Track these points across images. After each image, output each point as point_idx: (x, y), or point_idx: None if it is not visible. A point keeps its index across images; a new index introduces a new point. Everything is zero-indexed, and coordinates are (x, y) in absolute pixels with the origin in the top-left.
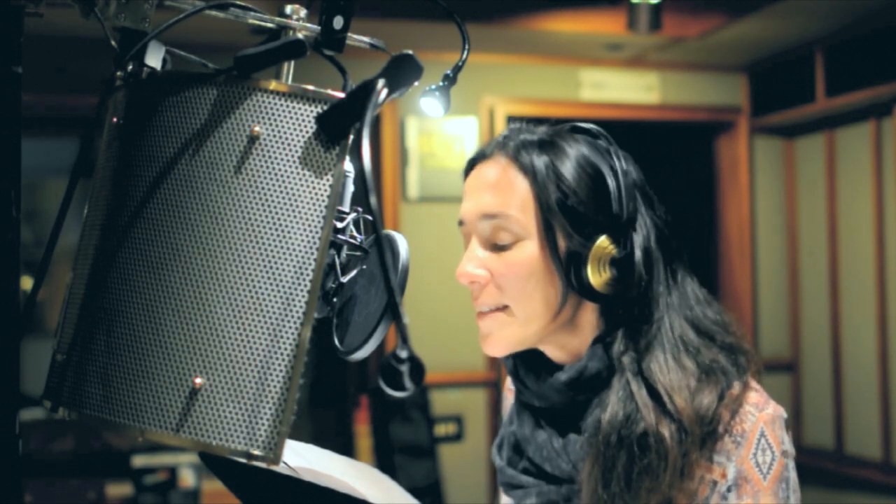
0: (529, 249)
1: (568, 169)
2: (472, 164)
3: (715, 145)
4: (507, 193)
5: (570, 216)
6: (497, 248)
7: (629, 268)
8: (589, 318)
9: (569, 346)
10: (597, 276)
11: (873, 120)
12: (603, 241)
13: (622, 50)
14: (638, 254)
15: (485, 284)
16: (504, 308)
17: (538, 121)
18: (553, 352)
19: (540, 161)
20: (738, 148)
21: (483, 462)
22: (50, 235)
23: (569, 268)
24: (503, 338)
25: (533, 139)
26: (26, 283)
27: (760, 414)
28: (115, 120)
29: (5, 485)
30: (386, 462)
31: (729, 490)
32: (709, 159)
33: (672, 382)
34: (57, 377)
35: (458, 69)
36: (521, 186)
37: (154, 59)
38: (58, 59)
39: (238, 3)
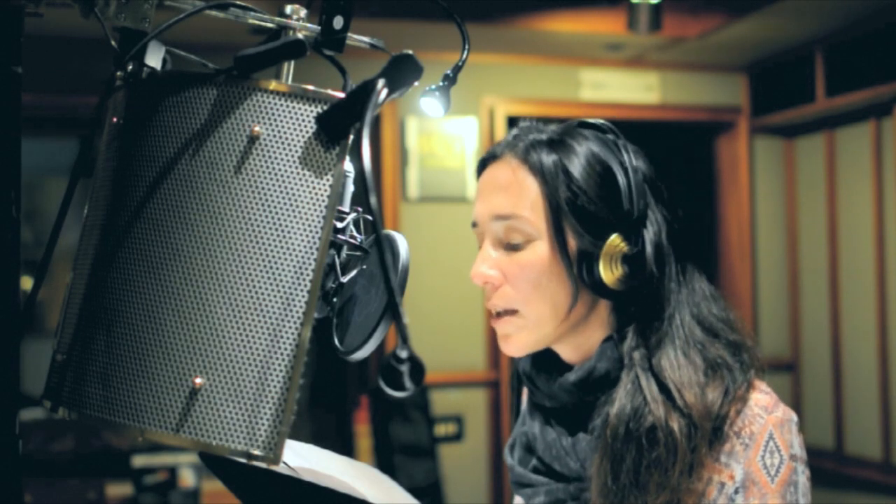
0: (540, 250)
1: (577, 168)
2: (483, 165)
3: (715, 145)
4: (518, 195)
5: (579, 216)
6: (509, 248)
7: (640, 264)
8: (602, 316)
9: (583, 347)
10: (609, 274)
11: (873, 120)
12: (614, 238)
13: (622, 50)
14: (649, 250)
15: (498, 285)
16: (514, 312)
17: (541, 121)
18: (567, 352)
19: (549, 160)
20: (738, 148)
21: (483, 462)
22: (50, 235)
23: (580, 267)
24: (520, 340)
25: (542, 138)
26: (26, 283)
27: (769, 416)
28: (115, 120)
29: (5, 485)
30: (386, 462)
31: (736, 492)
32: (709, 159)
33: (682, 378)
34: (57, 377)
35: (458, 69)
36: (532, 187)
37: (154, 59)
38: (58, 59)
39: (238, 3)
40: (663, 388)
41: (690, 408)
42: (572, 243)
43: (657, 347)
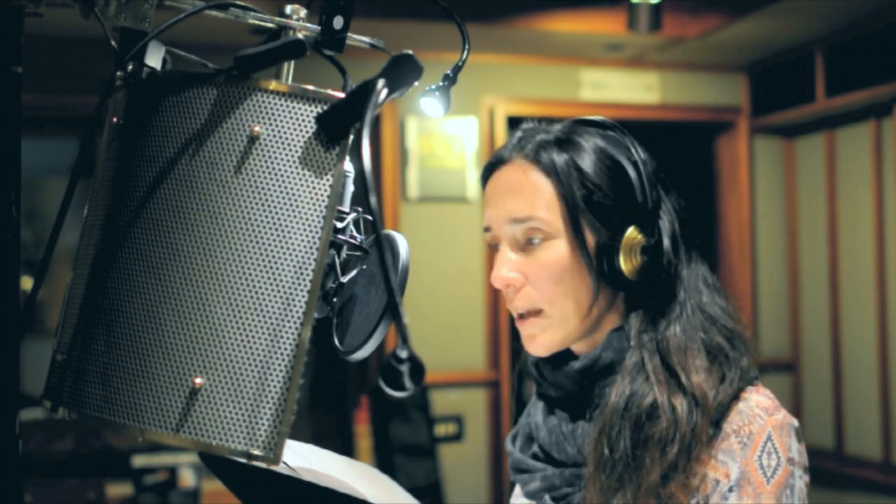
0: (559, 248)
1: (588, 164)
2: (490, 170)
3: (715, 145)
4: (533, 196)
5: (596, 211)
6: (528, 249)
7: (658, 254)
8: (619, 309)
9: (598, 340)
10: (629, 266)
11: (873, 120)
12: (632, 231)
13: (622, 50)
14: (666, 240)
15: (520, 287)
16: (539, 312)
17: (543, 121)
18: (582, 346)
19: (560, 159)
20: (738, 148)
21: (483, 462)
22: (50, 235)
23: (601, 261)
24: (545, 339)
25: (549, 138)
26: (26, 283)
27: (769, 418)
28: (115, 120)
29: (5, 485)
30: (386, 462)
31: (730, 490)
32: (709, 159)
33: (686, 360)
34: (57, 377)
35: (458, 69)
36: (545, 187)
37: (154, 59)
38: (58, 59)
39: (238, 3)
40: (668, 368)
41: (694, 388)
42: (590, 239)
43: (665, 330)
